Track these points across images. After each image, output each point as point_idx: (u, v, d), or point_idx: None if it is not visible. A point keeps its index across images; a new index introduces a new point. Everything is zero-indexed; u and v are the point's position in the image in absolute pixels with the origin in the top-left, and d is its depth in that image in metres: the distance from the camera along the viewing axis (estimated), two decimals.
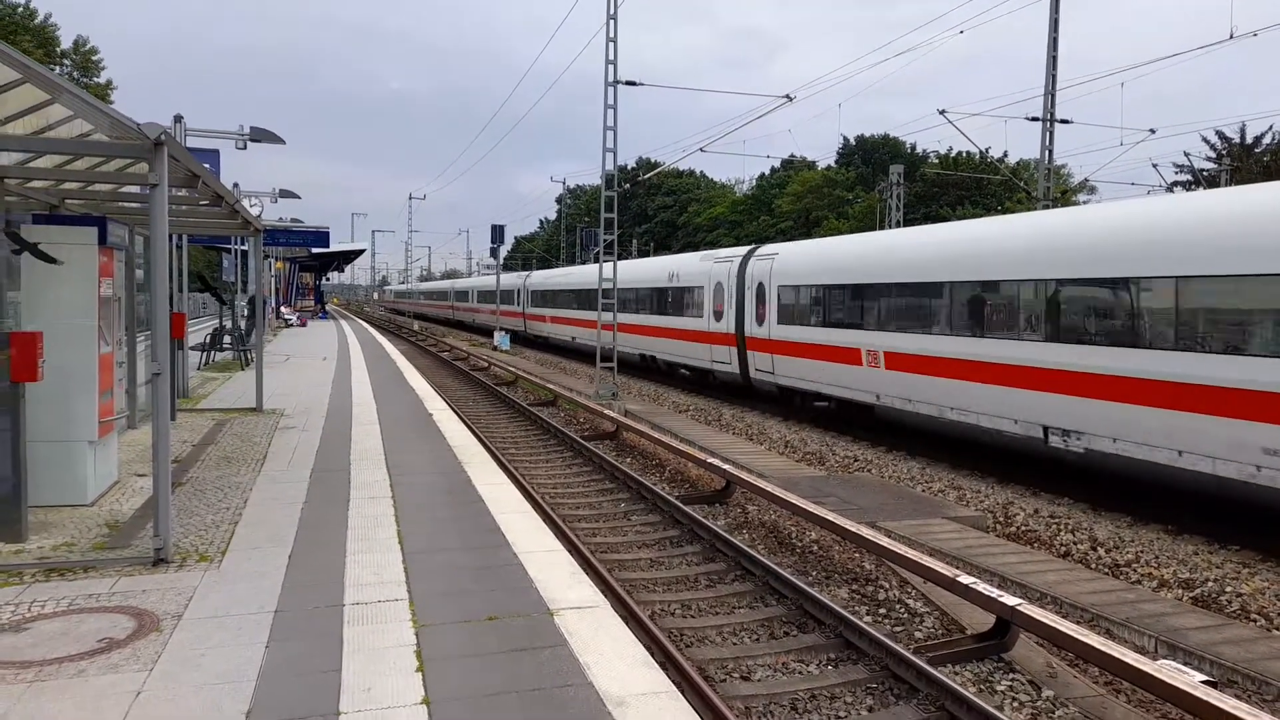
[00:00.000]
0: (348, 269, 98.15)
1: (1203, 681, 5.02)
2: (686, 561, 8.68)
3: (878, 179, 56.45)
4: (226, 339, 23.33)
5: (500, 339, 39.71)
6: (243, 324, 22.98)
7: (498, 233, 48.34)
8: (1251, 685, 5.93)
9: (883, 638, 6.25)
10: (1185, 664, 5.94)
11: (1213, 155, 42.93)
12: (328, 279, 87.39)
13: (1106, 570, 8.73)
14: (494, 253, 51.28)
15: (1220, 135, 42.83)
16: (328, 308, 73.72)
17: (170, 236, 16.10)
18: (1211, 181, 40.58)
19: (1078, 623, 6.47)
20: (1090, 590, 7.59)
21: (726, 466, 11.21)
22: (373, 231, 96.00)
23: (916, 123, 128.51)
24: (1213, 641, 6.46)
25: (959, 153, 54.28)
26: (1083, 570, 8.41)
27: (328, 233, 28.15)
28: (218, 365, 21.55)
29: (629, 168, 75.00)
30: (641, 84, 22.99)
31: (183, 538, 6.63)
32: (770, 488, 9.94)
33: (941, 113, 24.47)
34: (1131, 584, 8.20)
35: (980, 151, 48.94)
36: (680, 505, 10.06)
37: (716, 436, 15.66)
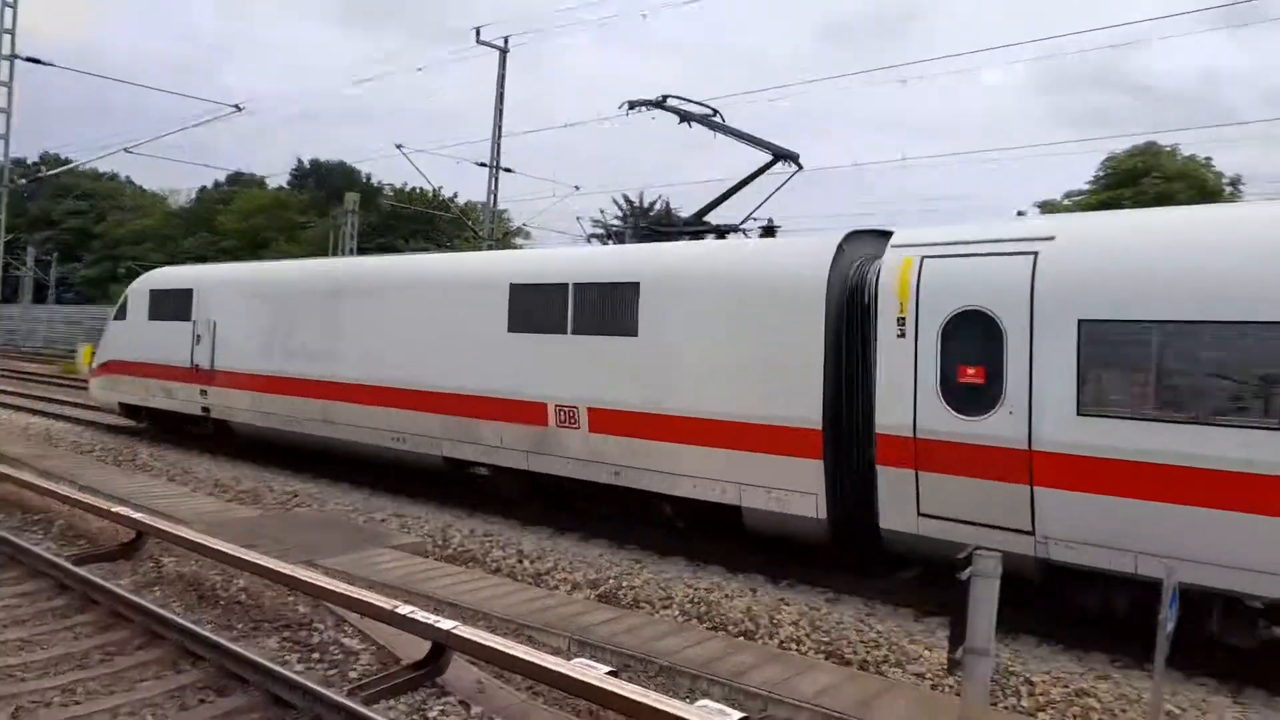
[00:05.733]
0: None
1: (607, 672, 5.63)
2: (75, 635, 7.15)
3: (332, 205, 55.45)
4: None
5: None
6: None
7: None
8: (642, 667, 6.87)
9: (313, 685, 5.83)
10: (594, 658, 6.64)
11: (619, 215, 51.21)
12: None
13: (531, 580, 9.48)
14: None
15: (626, 198, 51.30)
16: None
17: None
18: (619, 237, 48.18)
19: (505, 635, 6.84)
20: (517, 601, 8.12)
21: (137, 515, 9.62)
22: None
23: (375, 151, 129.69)
24: (614, 633, 7.35)
25: (414, 188, 56.04)
26: (510, 583, 9.00)
27: None
28: None
29: (31, 163, 62.58)
30: (52, 64, 19.18)
31: None
32: (190, 534, 8.78)
33: (398, 146, 25.28)
34: (551, 590, 9.02)
35: (434, 189, 51.14)
36: (71, 567, 8.32)
37: (130, 480, 13.48)
